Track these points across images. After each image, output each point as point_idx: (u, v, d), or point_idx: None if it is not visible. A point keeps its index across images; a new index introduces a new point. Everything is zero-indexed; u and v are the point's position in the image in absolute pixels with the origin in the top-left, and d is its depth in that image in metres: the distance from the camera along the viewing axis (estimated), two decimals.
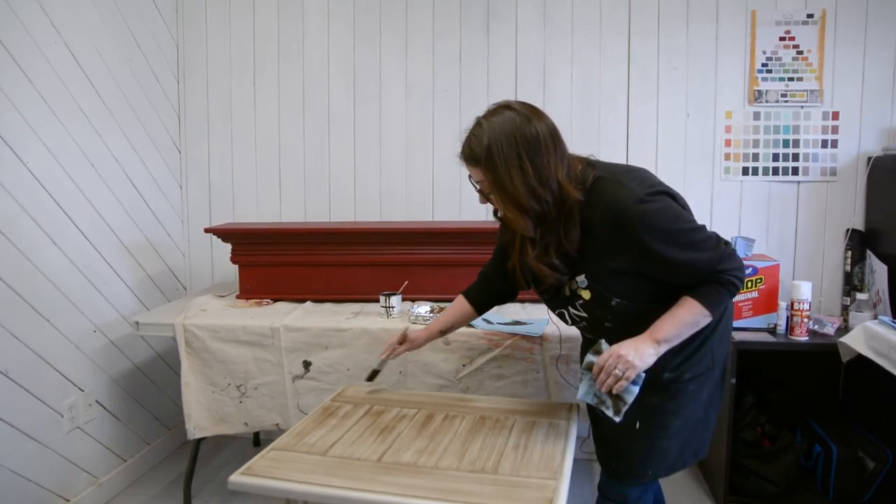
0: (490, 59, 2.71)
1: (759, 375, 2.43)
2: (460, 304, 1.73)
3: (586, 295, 1.40)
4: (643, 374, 1.34)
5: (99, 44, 2.36)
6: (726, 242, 1.38)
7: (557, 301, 1.48)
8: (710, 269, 1.33)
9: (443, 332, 1.74)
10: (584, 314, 1.44)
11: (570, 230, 1.33)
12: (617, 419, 1.37)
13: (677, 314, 1.35)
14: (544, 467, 1.33)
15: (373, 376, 1.80)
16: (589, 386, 1.40)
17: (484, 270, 1.73)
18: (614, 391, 1.34)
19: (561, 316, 1.51)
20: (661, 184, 1.34)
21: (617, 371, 1.32)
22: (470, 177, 1.40)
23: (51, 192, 2.14)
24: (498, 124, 1.29)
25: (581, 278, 1.39)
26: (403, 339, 1.74)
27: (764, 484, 2.29)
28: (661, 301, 1.37)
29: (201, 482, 2.52)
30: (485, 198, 1.39)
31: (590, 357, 1.40)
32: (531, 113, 1.31)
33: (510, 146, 1.27)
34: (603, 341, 1.40)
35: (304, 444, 1.45)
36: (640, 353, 1.32)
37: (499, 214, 1.48)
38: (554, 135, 1.31)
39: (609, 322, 1.41)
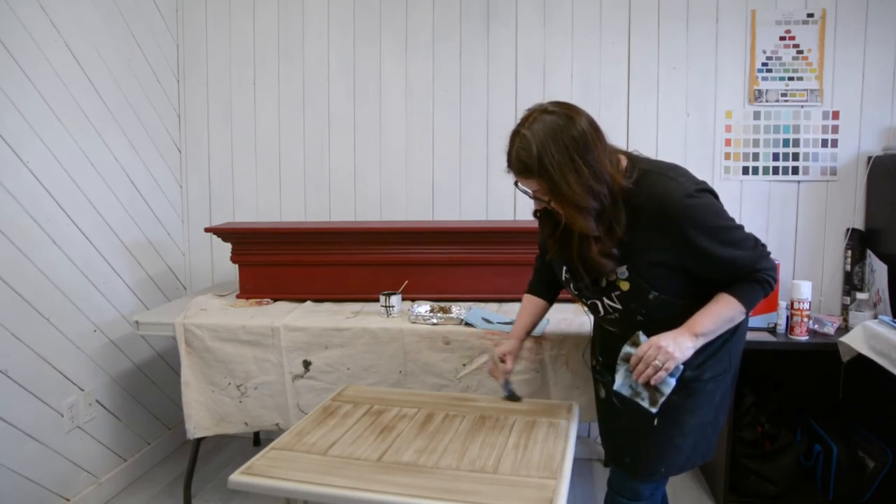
0: (490, 58, 2.71)
1: (759, 375, 2.43)
2: (532, 301, 1.71)
3: (625, 286, 1.40)
4: (681, 367, 1.35)
5: (99, 44, 2.36)
6: (763, 244, 1.41)
7: (593, 291, 1.47)
8: (749, 267, 1.36)
9: (528, 333, 1.72)
10: (619, 306, 1.43)
11: (619, 216, 1.33)
12: (653, 410, 1.38)
13: (715, 309, 1.37)
14: (544, 467, 1.33)
15: (513, 399, 1.69)
16: (625, 377, 1.41)
17: (537, 266, 1.74)
18: (653, 382, 1.34)
19: (593, 307, 1.51)
20: (704, 182, 1.36)
21: (657, 362, 1.33)
22: (516, 183, 1.38)
23: (51, 192, 2.14)
24: (542, 131, 1.27)
25: (622, 269, 1.39)
26: (503, 359, 1.65)
27: (764, 484, 2.28)
28: (696, 298, 1.39)
29: (201, 482, 2.52)
30: (542, 204, 1.37)
31: (627, 348, 1.41)
32: (569, 111, 1.30)
33: (560, 150, 1.25)
34: (640, 333, 1.41)
35: (304, 444, 1.45)
36: (679, 345, 1.34)
37: (537, 214, 1.48)
38: (595, 127, 1.31)
39: (642, 316, 1.42)
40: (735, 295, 1.37)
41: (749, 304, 1.38)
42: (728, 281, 1.38)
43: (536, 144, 1.26)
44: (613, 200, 1.32)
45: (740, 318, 1.40)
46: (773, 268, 1.40)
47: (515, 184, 1.38)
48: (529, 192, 1.37)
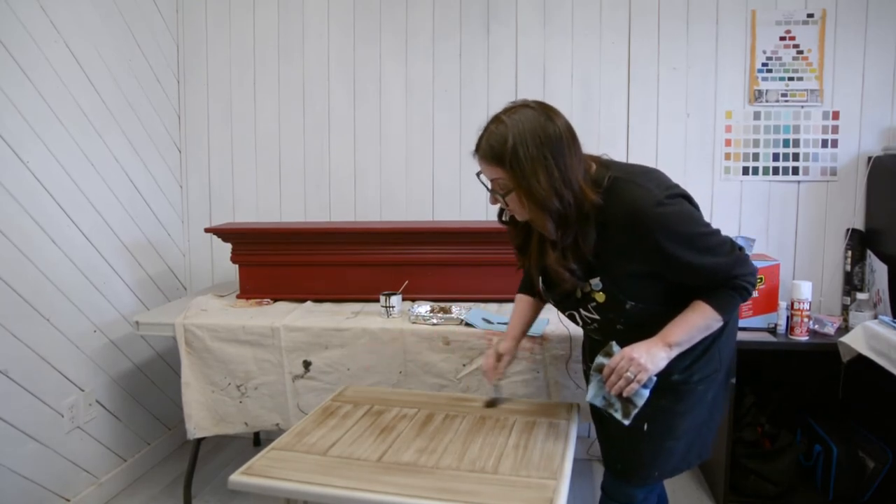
0: (490, 59, 2.71)
1: (759, 375, 2.43)
2: (525, 301, 1.67)
3: (600, 297, 1.38)
4: (654, 378, 1.33)
5: (99, 44, 2.36)
6: (740, 248, 1.37)
7: (569, 303, 1.46)
8: (725, 274, 1.33)
9: (524, 333, 1.69)
10: (597, 316, 1.42)
11: (587, 233, 1.30)
12: (626, 422, 1.36)
13: (689, 318, 1.34)
14: (544, 467, 1.33)
15: (493, 404, 1.68)
16: (598, 388, 1.39)
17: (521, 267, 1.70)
18: (625, 394, 1.33)
19: (571, 318, 1.50)
20: (676, 186, 1.33)
21: (629, 374, 1.31)
22: (479, 174, 1.35)
23: (51, 192, 2.14)
24: (521, 122, 1.25)
25: (595, 281, 1.37)
26: (499, 357, 1.63)
27: (764, 484, 2.29)
28: (674, 305, 1.36)
29: (201, 482, 2.52)
30: (498, 198, 1.34)
31: (600, 359, 1.39)
32: (549, 111, 1.29)
33: (536, 145, 1.23)
34: (614, 343, 1.39)
35: (304, 444, 1.45)
36: (652, 357, 1.32)
37: (504, 218, 1.46)
38: (572, 134, 1.29)
39: (621, 325, 1.41)
40: (710, 303, 1.33)
41: (725, 312, 1.34)
42: (705, 287, 1.35)
43: (513, 134, 1.24)
44: (583, 216, 1.29)
45: (716, 325, 1.36)
46: (752, 273, 1.36)
47: (478, 174, 1.35)
48: (488, 183, 1.34)
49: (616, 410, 1.37)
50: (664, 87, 2.63)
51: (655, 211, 1.25)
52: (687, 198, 1.34)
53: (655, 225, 1.25)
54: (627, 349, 1.34)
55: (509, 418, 1.59)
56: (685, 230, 1.28)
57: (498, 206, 1.40)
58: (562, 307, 1.50)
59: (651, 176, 1.33)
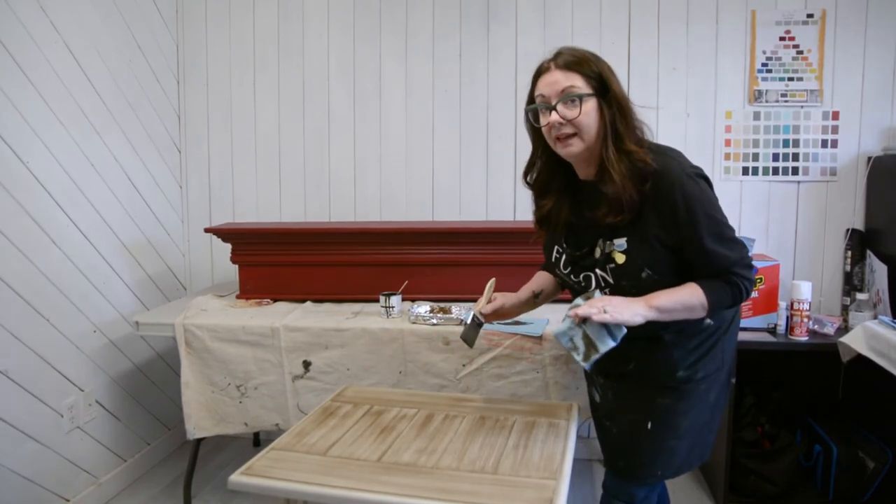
0: (490, 59, 2.71)
1: (759, 375, 2.43)
2: (543, 274, 1.67)
3: (620, 259, 1.38)
4: (625, 330, 1.32)
5: (99, 44, 2.36)
6: (749, 257, 1.39)
7: (588, 261, 1.45)
8: (726, 266, 1.34)
9: (536, 295, 1.65)
10: (612, 280, 1.41)
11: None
12: (586, 366, 1.35)
13: (678, 292, 1.35)
14: (544, 467, 1.33)
15: (470, 336, 1.61)
16: (568, 328, 1.37)
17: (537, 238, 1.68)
18: (582, 314, 1.30)
19: (587, 280, 1.47)
20: (700, 168, 1.38)
21: (599, 308, 1.30)
22: (528, 109, 1.41)
23: (51, 192, 2.14)
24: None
25: (620, 241, 1.38)
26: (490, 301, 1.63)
27: (764, 484, 2.29)
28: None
29: (201, 482, 2.52)
30: (564, 112, 1.34)
31: (578, 301, 1.38)
32: None
33: (609, 68, 1.38)
34: (597, 290, 1.40)
35: (304, 444, 1.45)
36: (630, 306, 1.31)
37: (528, 179, 1.51)
38: None
39: (632, 297, 1.39)
40: (703, 288, 1.34)
41: (713, 303, 1.34)
42: (704, 273, 1.36)
43: (590, 53, 1.38)
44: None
45: (700, 313, 1.36)
46: (752, 280, 1.37)
47: (527, 110, 1.41)
48: (551, 102, 1.35)
49: (578, 353, 1.35)
50: (664, 88, 2.63)
51: (684, 180, 1.32)
52: (708, 182, 1.38)
53: (679, 192, 1.31)
54: (609, 297, 1.35)
55: (509, 418, 1.59)
56: (705, 210, 1.32)
57: (523, 182, 1.50)
58: (580, 266, 1.47)
59: (679, 152, 1.42)
